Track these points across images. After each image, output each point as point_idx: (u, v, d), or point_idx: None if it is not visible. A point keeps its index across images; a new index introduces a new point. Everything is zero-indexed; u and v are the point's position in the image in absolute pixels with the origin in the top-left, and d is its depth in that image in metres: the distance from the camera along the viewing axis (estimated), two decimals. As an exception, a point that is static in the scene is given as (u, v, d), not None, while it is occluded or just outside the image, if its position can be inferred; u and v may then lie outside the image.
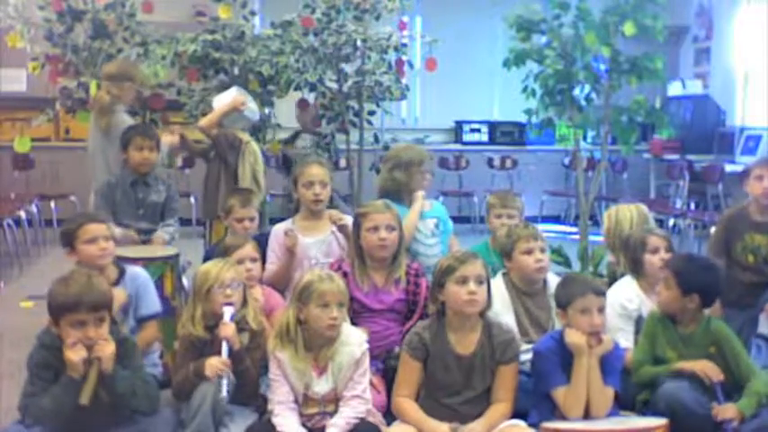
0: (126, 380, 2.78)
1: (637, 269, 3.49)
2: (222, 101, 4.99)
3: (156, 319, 3.43)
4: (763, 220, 4.01)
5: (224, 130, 4.91)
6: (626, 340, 3.28)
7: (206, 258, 3.89)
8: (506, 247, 3.48)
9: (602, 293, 2.98)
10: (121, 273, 3.42)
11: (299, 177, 3.97)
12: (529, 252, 3.40)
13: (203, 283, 3.13)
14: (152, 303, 3.44)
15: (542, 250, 3.42)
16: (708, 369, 3.01)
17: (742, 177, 4.22)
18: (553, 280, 3.47)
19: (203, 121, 4.98)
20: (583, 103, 5.87)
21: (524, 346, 3.22)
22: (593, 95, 5.86)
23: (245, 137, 4.94)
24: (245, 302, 3.21)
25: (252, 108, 5.07)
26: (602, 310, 2.96)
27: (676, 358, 3.11)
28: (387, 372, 3.31)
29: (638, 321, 3.39)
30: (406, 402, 3.00)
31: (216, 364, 2.97)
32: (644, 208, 3.97)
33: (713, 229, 4.43)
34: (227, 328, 3.04)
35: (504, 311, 3.35)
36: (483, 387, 3.01)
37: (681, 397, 2.91)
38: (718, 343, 3.12)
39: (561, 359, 2.95)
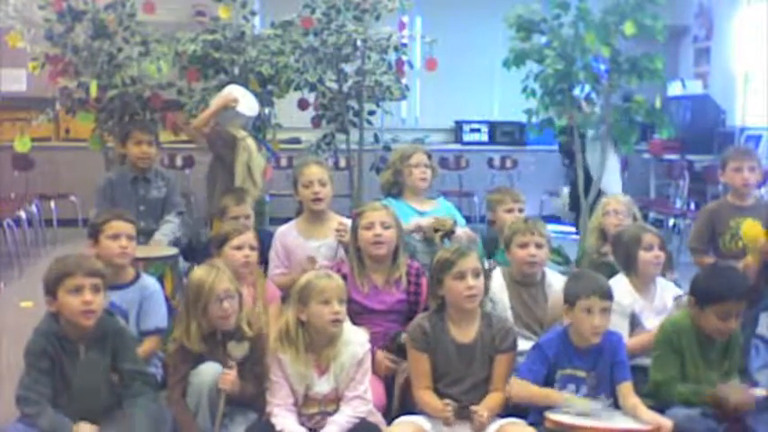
0: None
1: (629, 266, 3.49)
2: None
3: (159, 334, 3.41)
4: (745, 205, 4.07)
5: (218, 128, 4.92)
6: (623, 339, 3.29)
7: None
8: (506, 238, 3.51)
9: (607, 296, 2.97)
10: (136, 277, 3.43)
11: (299, 178, 3.96)
12: (524, 246, 3.42)
13: (197, 297, 3.03)
14: (159, 318, 3.42)
15: (538, 245, 3.43)
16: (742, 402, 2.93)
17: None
18: (552, 275, 3.51)
19: (195, 121, 5.00)
20: (583, 103, 5.88)
21: (524, 345, 3.23)
22: (594, 95, 5.87)
23: (240, 133, 4.94)
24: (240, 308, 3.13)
25: (247, 105, 5.06)
26: (605, 311, 2.95)
27: (695, 372, 3.06)
28: (393, 352, 3.35)
29: (632, 318, 3.39)
30: (426, 395, 3.02)
31: None
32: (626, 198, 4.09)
33: (694, 225, 4.44)
34: (228, 378, 2.97)
35: (500, 298, 3.41)
36: (483, 375, 3.04)
37: (692, 428, 2.88)
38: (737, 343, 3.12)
39: (554, 354, 2.96)
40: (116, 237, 3.37)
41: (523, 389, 2.95)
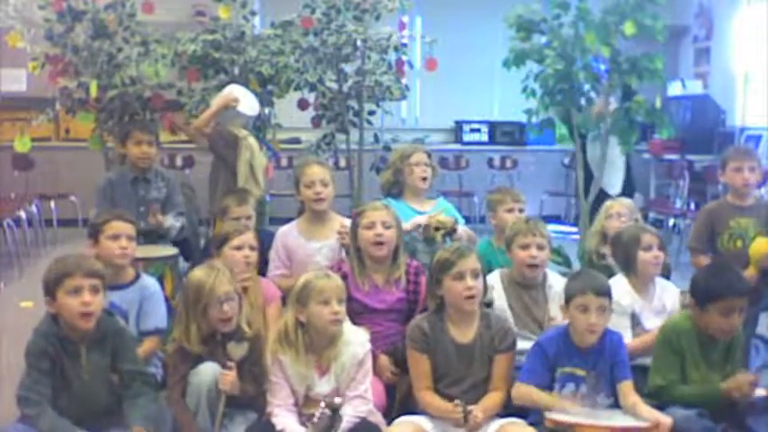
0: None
1: (628, 266, 3.49)
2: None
3: (159, 335, 3.42)
4: (745, 205, 4.08)
5: (219, 128, 4.92)
6: (626, 338, 3.27)
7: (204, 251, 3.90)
8: (508, 238, 3.49)
9: (603, 293, 2.95)
10: (136, 277, 3.43)
11: (301, 178, 3.95)
12: (525, 247, 3.40)
13: (198, 298, 3.01)
14: (158, 318, 3.42)
15: (540, 247, 3.41)
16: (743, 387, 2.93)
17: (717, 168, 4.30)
18: (553, 277, 3.49)
19: (196, 122, 5.00)
20: (582, 102, 5.88)
21: (524, 344, 3.23)
22: (593, 95, 5.87)
23: (242, 132, 4.94)
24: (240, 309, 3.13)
25: (248, 104, 5.07)
26: (602, 310, 2.94)
27: (696, 374, 3.05)
28: (397, 364, 3.33)
29: (632, 318, 3.39)
30: (427, 394, 3.02)
31: None
32: (629, 201, 4.08)
33: (694, 224, 4.44)
34: (228, 379, 2.97)
35: (498, 303, 3.39)
36: (483, 375, 3.04)
37: (689, 428, 2.87)
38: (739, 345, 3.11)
39: (554, 353, 2.96)
40: (116, 237, 3.38)
41: (526, 394, 2.94)
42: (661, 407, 2.96)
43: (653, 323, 3.35)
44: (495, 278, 3.46)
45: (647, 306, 3.43)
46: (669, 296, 3.46)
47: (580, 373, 2.97)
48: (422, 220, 4.00)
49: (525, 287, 3.45)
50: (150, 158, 4.55)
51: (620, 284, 3.41)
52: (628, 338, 3.29)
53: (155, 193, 4.52)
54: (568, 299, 2.97)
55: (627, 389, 2.96)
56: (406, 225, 3.84)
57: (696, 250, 4.14)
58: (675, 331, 3.08)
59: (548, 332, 3.12)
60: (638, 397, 2.95)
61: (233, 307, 3.04)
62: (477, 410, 2.88)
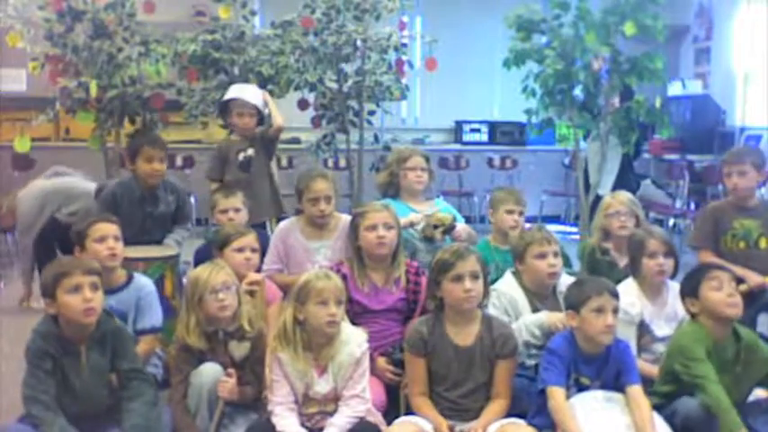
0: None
1: (635, 271, 3.46)
2: (253, 93, 4.94)
3: (155, 334, 3.41)
4: (749, 206, 4.07)
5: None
6: (631, 349, 3.25)
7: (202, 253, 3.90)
8: (518, 249, 3.42)
9: (616, 295, 2.94)
10: (129, 279, 3.42)
11: (304, 192, 3.88)
12: (542, 256, 3.33)
13: (194, 290, 3.06)
14: (154, 317, 3.41)
15: (555, 254, 3.35)
16: None
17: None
18: (563, 280, 3.42)
19: (280, 120, 4.94)
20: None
21: (530, 352, 3.22)
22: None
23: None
24: (239, 304, 3.14)
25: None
26: (615, 311, 2.92)
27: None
28: (395, 364, 3.32)
29: (641, 326, 3.34)
30: (419, 399, 3.02)
31: None
32: (629, 196, 4.03)
33: (697, 222, 4.43)
34: (226, 386, 3.00)
35: (523, 311, 3.32)
36: (483, 379, 3.01)
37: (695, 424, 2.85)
38: (748, 348, 3.04)
39: (568, 359, 2.93)
40: (102, 239, 3.35)
41: (562, 413, 2.81)
42: (664, 405, 2.94)
43: (664, 331, 3.31)
44: (511, 281, 3.41)
45: (658, 312, 3.37)
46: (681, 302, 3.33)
47: (585, 381, 2.94)
48: (416, 217, 3.99)
49: (538, 296, 3.38)
50: (162, 175, 4.33)
51: (629, 291, 3.36)
52: (633, 350, 3.24)
53: (163, 207, 4.30)
54: (580, 304, 2.91)
55: (635, 393, 2.88)
56: (401, 220, 3.83)
57: (701, 248, 4.12)
58: (696, 340, 2.98)
59: (554, 338, 3.04)
60: (648, 406, 2.86)
61: (229, 296, 3.06)
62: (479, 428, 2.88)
